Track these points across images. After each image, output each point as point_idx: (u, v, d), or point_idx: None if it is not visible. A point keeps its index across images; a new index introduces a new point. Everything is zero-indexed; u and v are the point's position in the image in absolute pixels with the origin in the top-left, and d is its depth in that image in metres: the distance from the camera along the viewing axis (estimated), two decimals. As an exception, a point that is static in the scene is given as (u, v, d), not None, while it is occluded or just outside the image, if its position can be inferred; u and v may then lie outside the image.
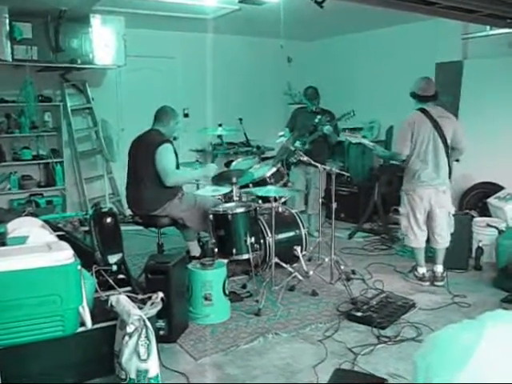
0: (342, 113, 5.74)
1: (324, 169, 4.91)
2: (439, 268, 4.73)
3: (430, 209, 4.65)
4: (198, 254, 4.87)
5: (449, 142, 4.61)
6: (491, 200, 5.67)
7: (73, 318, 2.84)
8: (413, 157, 4.61)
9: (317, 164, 4.90)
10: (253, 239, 4.42)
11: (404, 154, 4.62)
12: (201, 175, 5.03)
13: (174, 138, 4.78)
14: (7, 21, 5.77)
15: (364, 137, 5.53)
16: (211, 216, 4.51)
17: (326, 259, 4.75)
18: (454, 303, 4.25)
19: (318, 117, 5.93)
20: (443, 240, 4.72)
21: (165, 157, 4.47)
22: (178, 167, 4.63)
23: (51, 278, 2.72)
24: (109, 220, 3.96)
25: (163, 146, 4.46)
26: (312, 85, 6.26)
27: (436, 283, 4.68)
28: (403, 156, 4.64)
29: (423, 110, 4.62)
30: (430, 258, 4.86)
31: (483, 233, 5.25)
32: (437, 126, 4.55)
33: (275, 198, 4.80)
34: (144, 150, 4.54)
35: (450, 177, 4.74)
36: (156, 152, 4.43)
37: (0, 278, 2.57)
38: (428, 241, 4.78)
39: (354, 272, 4.97)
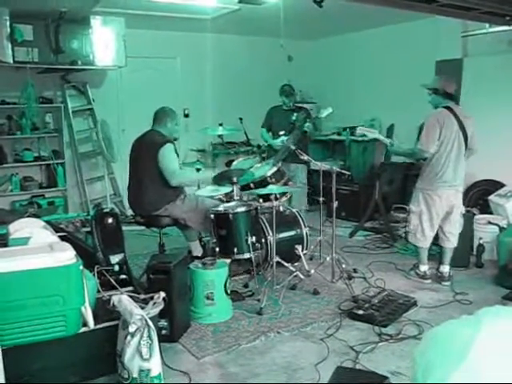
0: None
1: (324, 168, 4.92)
2: (446, 268, 4.71)
3: (448, 210, 4.59)
4: (199, 254, 4.88)
5: (468, 142, 4.55)
6: (492, 197, 5.67)
7: (75, 318, 2.86)
8: (437, 155, 4.48)
9: (317, 163, 4.93)
10: (254, 238, 4.41)
11: (430, 151, 4.46)
12: (203, 178, 5.03)
13: (175, 139, 4.79)
14: (8, 23, 5.80)
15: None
16: (212, 216, 4.52)
17: (328, 258, 4.75)
18: (455, 301, 4.26)
19: (295, 114, 5.91)
20: (455, 239, 4.70)
21: (168, 157, 4.48)
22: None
23: (53, 279, 2.74)
24: (110, 220, 3.97)
25: (165, 147, 4.47)
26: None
27: (443, 283, 4.65)
28: (428, 153, 4.48)
29: (450, 109, 4.50)
30: (432, 256, 4.87)
31: (484, 230, 5.25)
32: (461, 127, 4.47)
33: (276, 196, 4.81)
34: (145, 150, 4.55)
35: None
36: (159, 152, 4.45)
37: (3, 279, 2.59)
38: (436, 240, 4.76)
39: (355, 270, 4.97)
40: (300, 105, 6.32)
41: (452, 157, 4.50)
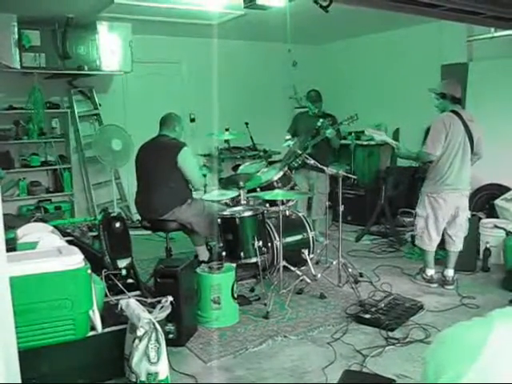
0: (344, 116, 5.63)
1: (330, 172, 4.92)
2: (450, 272, 4.70)
3: (453, 213, 4.59)
4: (206, 259, 4.88)
5: (475, 147, 4.54)
6: (498, 201, 5.67)
7: (83, 322, 2.87)
8: (442, 159, 4.49)
9: (323, 167, 4.92)
10: (260, 243, 4.43)
11: (436, 154, 4.46)
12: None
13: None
14: (16, 29, 5.86)
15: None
16: (219, 220, 4.53)
17: (334, 262, 4.76)
18: (462, 305, 4.25)
19: (321, 120, 5.78)
20: (460, 242, 4.68)
21: (191, 162, 4.64)
22: None
23: (62, 283, 2.75)
24: (118, 225, 3.98)
25: (185, 150, 4.56)
26: (316, 88, 6.16)
27: (447, 287, 4.65)
28: (433, 156, 4.48)
29: (456, 113, 4.51)
30: (439, 260, 4.86)
31: (491, 234, 5.25)
32: (467, 131, 4.47)
33: (282, 201, 4.81)
34: (159, 154, 4.60)
35: None
36: (178, 156, 4.52)
37: (12, 283, 2.59)
38: (442, 244, 4.75)
39: (361, 275, 4.97)
40: (328, 112, 6.10)
41: (457, 161, 4.50)
